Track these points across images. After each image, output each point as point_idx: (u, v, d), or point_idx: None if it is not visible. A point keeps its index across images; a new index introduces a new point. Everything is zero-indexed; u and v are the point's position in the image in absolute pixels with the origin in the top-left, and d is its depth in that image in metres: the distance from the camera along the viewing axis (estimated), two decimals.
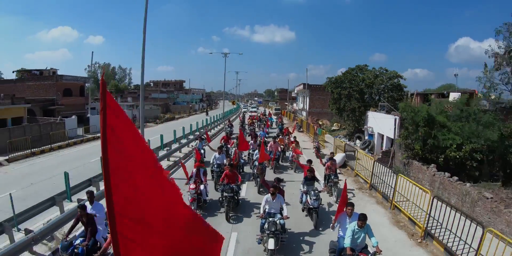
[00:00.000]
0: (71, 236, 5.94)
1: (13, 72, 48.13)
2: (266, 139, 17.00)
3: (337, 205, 7.97)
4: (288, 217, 6.90)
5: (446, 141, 12.42)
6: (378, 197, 10.75)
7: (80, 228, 6.34)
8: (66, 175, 8.90)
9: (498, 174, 14.46)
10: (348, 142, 20.00)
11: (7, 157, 16.49)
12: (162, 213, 1.92)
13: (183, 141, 20.13)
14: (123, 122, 1.68)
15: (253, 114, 39.42)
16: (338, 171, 10.85)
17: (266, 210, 7.13)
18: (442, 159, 12.64)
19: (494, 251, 5.80)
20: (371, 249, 5.66)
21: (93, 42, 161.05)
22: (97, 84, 35.15)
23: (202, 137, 15.95)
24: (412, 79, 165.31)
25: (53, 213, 8.34)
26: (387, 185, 10.23)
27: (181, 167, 10.05)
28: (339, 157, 14.67)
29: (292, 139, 16.73)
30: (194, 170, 9.40)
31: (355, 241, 5.49)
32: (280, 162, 14.80)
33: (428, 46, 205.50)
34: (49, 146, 19.42)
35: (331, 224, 6.56)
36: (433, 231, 7.62)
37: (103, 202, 7.10)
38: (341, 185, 9.83)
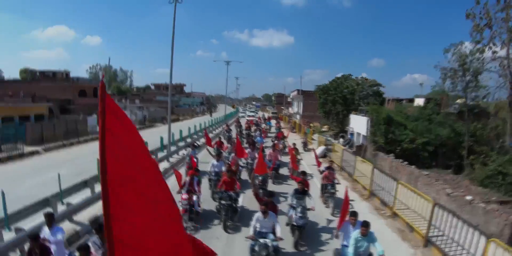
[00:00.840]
0: None
1: (24, 72, 50.98)
2: (263, 145, 15.70)
3: (334, 217, 8.84)
4: (282, 239, 6.26)
5: (402, 136, 16.01)
6: (345, 175, 14.31)
7: None
8: None
9: (452, 164, 18.10)
10: (334, 141, 23.46)
11: (43, 147, 19.75)
12: (161, 217, 1.92)
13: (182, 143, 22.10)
14: (123, 125, 1.66)
15: (250, 118, 38.45)
16: (336, 181, 10.33)
17: (257, 229, 6.38)
18: (398, 150, 16.18)
19: (401, 194, 9.30)
20: None
21: (90, 43, 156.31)
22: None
23: (195, 144, 15.23)
24: (411, 84, 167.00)
25: None
26: (351, 166, 13.71)
27: (174, 174, 9.43)
28: (320, 149, 18.27)
29: (291, 145, 15.35)
30: (188, 178, 8.72)
31: (357, 249, 5.33)
32: (279, 172, 13.48)
33: (427, 51, 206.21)
34: (77, 139, 22.76)
35: (335, 233, 6.45)
36: (376, 192, 11.09)
37: (64, 224, 6.94)
38: (338, 195, 9.80)
